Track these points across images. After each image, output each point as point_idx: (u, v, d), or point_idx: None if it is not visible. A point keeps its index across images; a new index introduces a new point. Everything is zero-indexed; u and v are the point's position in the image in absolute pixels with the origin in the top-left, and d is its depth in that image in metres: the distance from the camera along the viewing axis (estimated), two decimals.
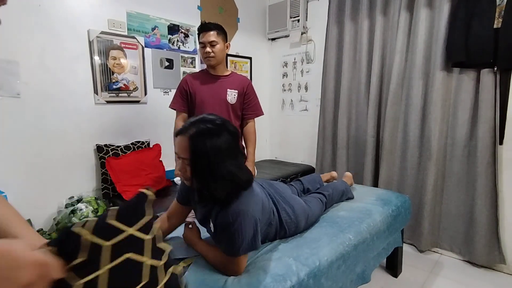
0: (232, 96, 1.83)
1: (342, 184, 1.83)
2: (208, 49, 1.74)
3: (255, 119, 1.99)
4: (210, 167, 1.00)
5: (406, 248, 2.26)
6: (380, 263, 1.76)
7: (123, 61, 2.34)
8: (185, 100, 1.86)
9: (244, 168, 1.10)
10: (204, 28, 1.76)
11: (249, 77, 3.40)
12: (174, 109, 1.90)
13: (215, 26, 1.76)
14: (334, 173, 2.06)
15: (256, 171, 1.96)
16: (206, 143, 0.99)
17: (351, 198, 1.83)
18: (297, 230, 1.38)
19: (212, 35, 1.74)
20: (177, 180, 1.78)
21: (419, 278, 1.97)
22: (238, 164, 1.06)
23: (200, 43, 1.78)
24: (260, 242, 1.09)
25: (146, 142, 2.50)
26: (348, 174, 2.02)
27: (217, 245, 1.13)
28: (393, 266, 1.98)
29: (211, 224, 1.13)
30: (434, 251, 2.30)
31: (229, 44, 1.86)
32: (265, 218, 1.21)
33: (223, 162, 1.01)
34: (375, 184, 2.57)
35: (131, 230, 0.61)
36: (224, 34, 1.80)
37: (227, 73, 1.89)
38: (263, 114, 2.00)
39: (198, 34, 1.79)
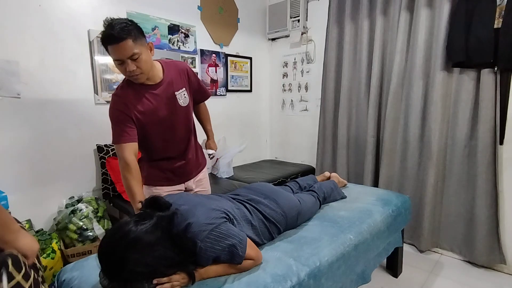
0: (183, 97, 1.46)
1: (329, 182, 1.91)
2: (130, 66, 1.22)
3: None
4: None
5: (406, 248, 2.27)
6: (380, 263, 1.76)
7: None
8: (132, 128, 1.33)
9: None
10: (112, 39, 1.17)
11: (249, 77, 3.40)
12: (123, 143, 1.30)
13: (127, 31, 1.18)
14: (326, 173, 2.12)
15: (217, 146, 1.78)
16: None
17: (343, 197, 1.86)
18: (289, 221, 1.41)
19: (129, 47, 1.19)
20: None
21: (419, 278, 1.97)
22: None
23: (115, 60, 1.24)
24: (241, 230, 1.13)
25: None
26: (333, 174, 2.09)
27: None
28: (393, 266, 1.98)
29: None
30: (434, 251, 2.30)
31: (152, 43, 1.33)
32: (235, 213, 1.22)
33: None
34: (375, 184, 2.57)
35: None
36: (141, 34, 1.25)
37: (162, 73, 1.40)
38: (210, 95, 1.72)
39: (105, 47, 1.22)
